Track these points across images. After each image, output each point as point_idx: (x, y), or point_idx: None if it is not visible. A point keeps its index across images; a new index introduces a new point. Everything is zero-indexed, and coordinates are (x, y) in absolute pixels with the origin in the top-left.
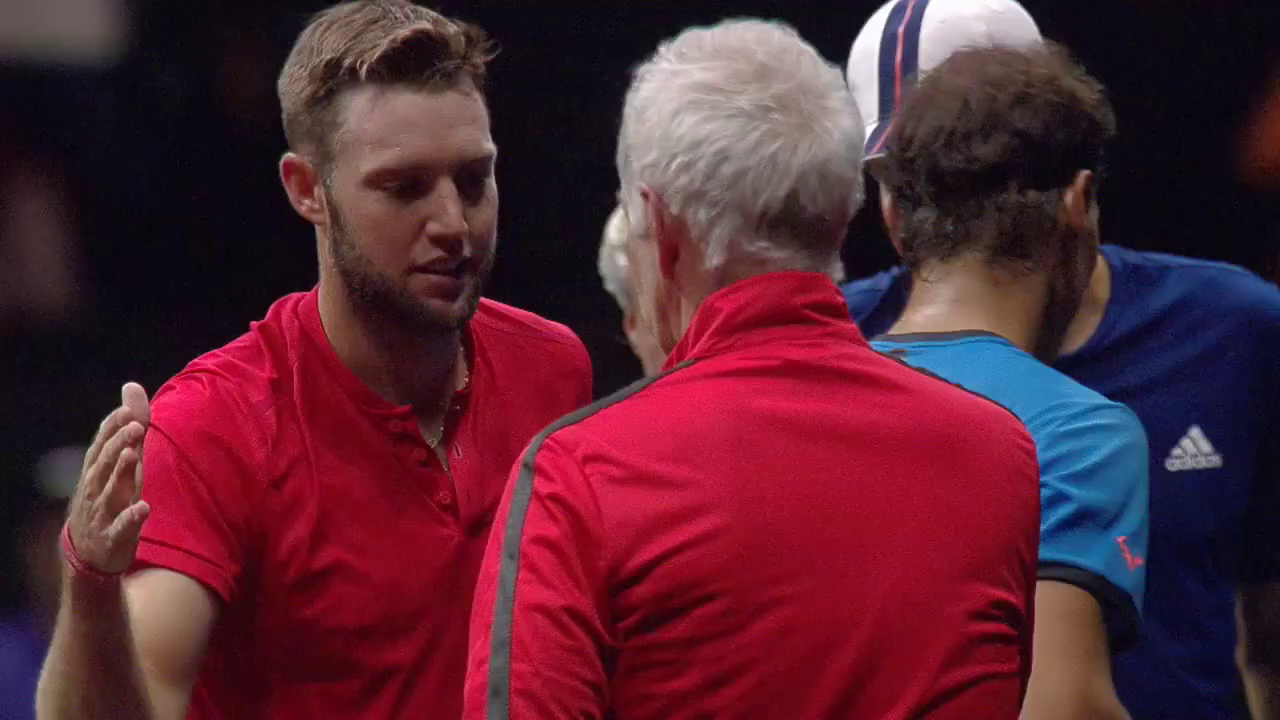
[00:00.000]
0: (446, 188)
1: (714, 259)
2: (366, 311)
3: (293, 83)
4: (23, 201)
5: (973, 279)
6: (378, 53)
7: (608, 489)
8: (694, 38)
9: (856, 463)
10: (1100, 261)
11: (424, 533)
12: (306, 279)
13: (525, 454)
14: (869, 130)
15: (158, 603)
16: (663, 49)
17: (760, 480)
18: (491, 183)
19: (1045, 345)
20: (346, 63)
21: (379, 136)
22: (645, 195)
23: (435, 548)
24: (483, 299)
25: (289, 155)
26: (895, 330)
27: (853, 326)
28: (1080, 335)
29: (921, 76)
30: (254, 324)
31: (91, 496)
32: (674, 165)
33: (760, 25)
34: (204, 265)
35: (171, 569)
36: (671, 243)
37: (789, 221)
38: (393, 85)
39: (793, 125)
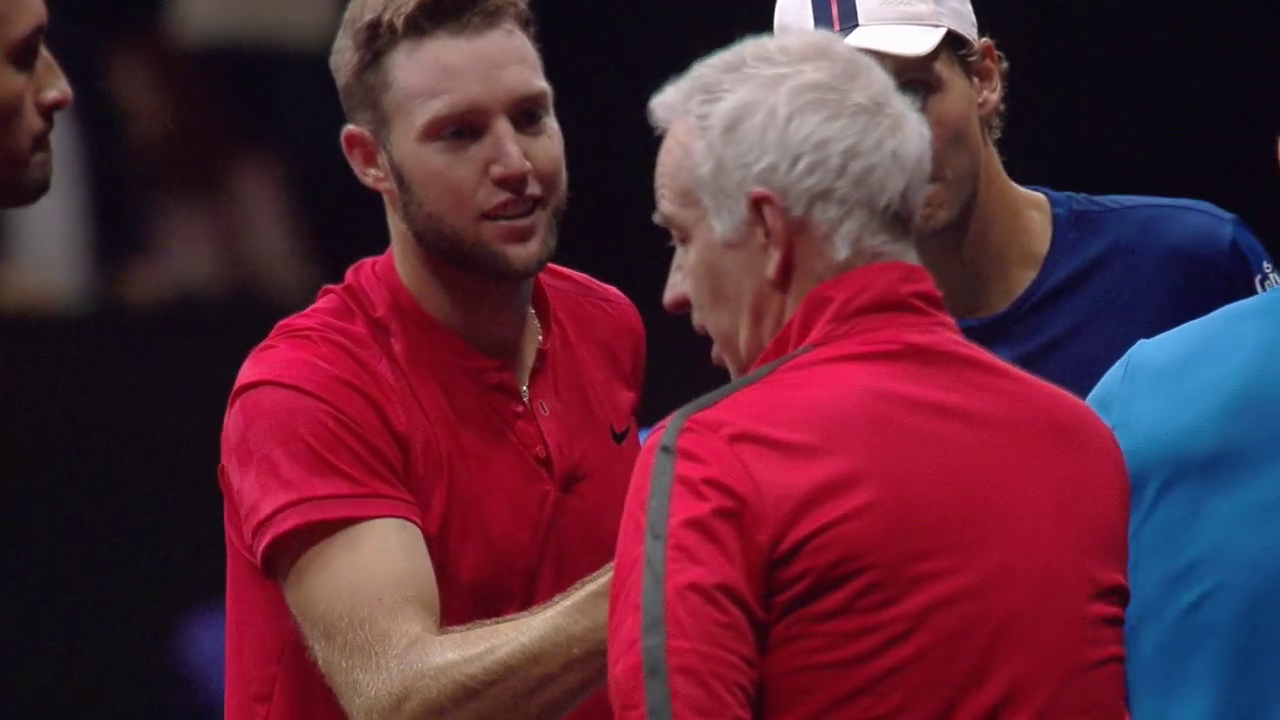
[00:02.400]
0: (503, 128)
1: (840, 254)
2: (445, 269)
3: (340, 54)
4: (248, 184)
5: None
6: (412, 4)
7: (761, 465)
8: (771, 45)
9: (984, 442)
10: (1040, 214)
11: (526, 487)
12: None
13: (663, 438)
14: None
15: (394, 552)
16: (725, 61)
17: (900, 458)
18: (552, 120)
19: None
20: (384, 21)
21: (427, 87)
22: (764, 199)
23: (537, 503)
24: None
25: (348, 128)
26: None
27: (952, 319)
28: (1012, 293)
29: None
30: (330, 287)
31: None
32: (799, 166)
33: (815, 30)
34: None
35: (387, 516)
36: (790, 245)
37: (902, 215)
38: (432, 34)
39: (900, 121)
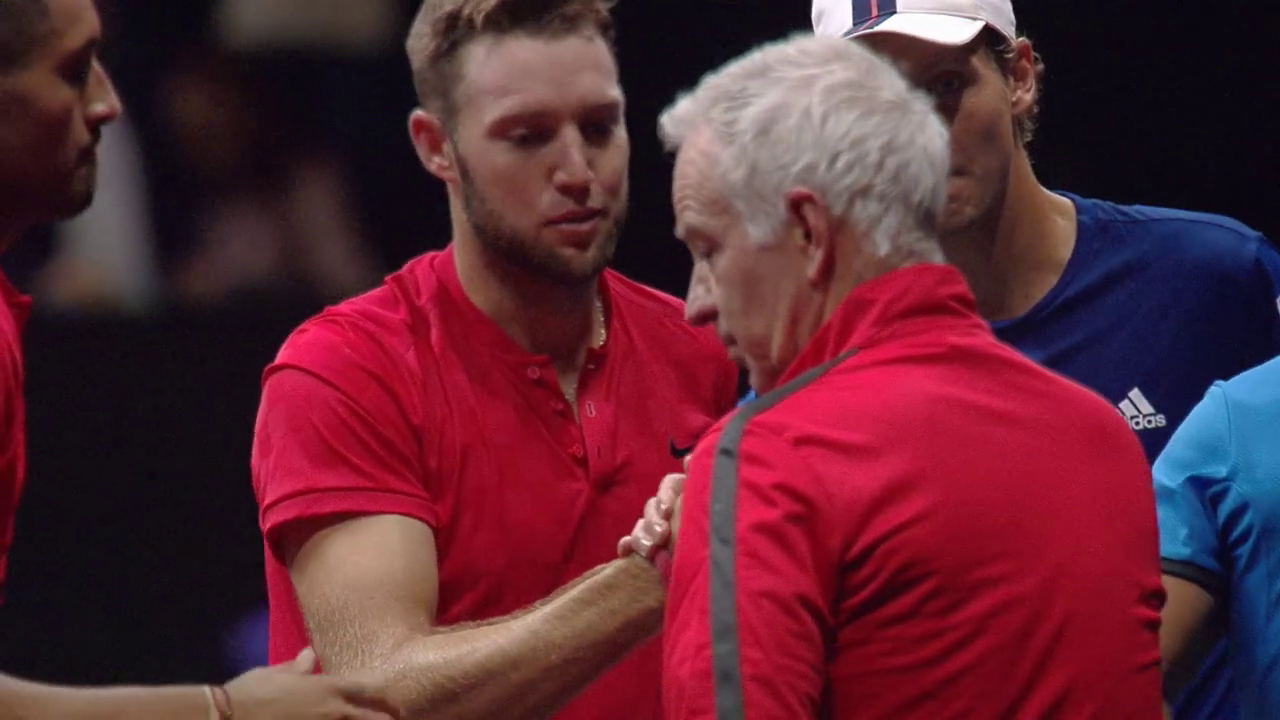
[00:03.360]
0: (571, 135)
1: (881, 250)
2: (501, 265)
3: (417, 39)
4: (305, 182)
5: None
6: (494, 0)
7: (829, 468)
8: (790, 49)
9: (1030, 445)
10: (1066, 220)
11: (555, 483)
12: None
13: (722, 440)
14: (847, 34)
15: (394, 549)
16: (744, 68)
17: (957, 461)
18: (621, 130)
19: None
20: (465, 13)
21: (499, 85)
22: (804, 199)
23: (566, 500)
24: (627, 280)
25: (417, 112)
26: None
27: (985, 321)
28: (1032, 298)
29: None
30: (388, 277)
31: None
32: (838, 164)
33: (824, 35)
34: None
35: (391, 512)
36: (831, 244)
37: (932, 212)
38: (511, 32)
39: (925, 118)
